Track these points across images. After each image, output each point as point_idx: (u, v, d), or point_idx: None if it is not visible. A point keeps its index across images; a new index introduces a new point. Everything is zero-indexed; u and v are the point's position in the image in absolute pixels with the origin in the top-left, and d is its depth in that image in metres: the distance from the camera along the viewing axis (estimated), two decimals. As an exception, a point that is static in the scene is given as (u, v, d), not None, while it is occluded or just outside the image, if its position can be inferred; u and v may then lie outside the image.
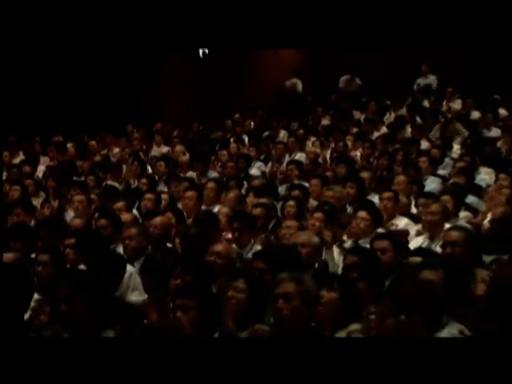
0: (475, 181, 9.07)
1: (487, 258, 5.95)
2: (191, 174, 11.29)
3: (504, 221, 6.97)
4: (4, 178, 11.24)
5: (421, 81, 16.69)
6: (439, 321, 4.10)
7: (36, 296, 5.21)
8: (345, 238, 6.95)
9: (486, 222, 7.28)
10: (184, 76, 16.80)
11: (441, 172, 10.01)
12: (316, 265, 6.00)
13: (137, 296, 5.83)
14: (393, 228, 7.41)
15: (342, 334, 4.42)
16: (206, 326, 4.20)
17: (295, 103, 17.59)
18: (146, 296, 5.73)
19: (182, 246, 6.59)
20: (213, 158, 12.07)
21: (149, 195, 8.59)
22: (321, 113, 15.93)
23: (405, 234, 7.16)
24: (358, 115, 15.32)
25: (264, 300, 4.63)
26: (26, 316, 4.85)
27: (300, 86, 18.12)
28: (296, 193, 8.44)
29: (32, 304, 5.06)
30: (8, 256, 5.75)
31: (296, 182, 9.78)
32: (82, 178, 10.72)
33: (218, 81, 16.73)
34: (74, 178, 10.91)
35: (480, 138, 12.05)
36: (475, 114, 13.81)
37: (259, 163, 12.01)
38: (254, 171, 11.40)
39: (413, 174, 9.25)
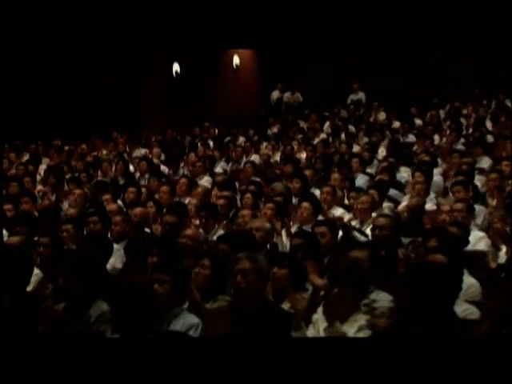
0: (396, 178, 9.13)
1: (405, 240, 6.02)
2: (163, 168, 11.37)
3: (418, 210, 7.06)
4: (11, 174, 11.23)
5: (353, 96, 16.80)
6: (366, 291, 4.13)
7: (37, 271, 5.20)
8: (291, 224, 6.97)
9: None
10: (161, 92, 16.77)
11: (369, 170, 10.05)
12: (268, 246, 6.01)
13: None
14: (330, 216, 7.44)
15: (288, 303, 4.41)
16: (178, 297, 4.18)
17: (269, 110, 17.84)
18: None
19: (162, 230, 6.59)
20: (184, 158, 12.05)
21: (131, 189, 8.55)
22: (272, 122, 15.95)
23: (340, 220, 7.18)
24: (302, 124, 15.36)
25: (225, 275, 4.62)
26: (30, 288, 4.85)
27: (275, 96, 18.24)
28: (252, 187, 8.43)
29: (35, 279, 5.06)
30: (15, 239, 5.71)
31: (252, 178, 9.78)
32: (77, 175, 10.65)
33: (188, 96, 16.70)
34: (70, 175, 10.83)
35: (399, 143, 12.16)
36: (396, 124, 13.95)
37: (222, 163, 11.98)
38: (218, 170, 11.38)
39: (346, 172, 9.26)
